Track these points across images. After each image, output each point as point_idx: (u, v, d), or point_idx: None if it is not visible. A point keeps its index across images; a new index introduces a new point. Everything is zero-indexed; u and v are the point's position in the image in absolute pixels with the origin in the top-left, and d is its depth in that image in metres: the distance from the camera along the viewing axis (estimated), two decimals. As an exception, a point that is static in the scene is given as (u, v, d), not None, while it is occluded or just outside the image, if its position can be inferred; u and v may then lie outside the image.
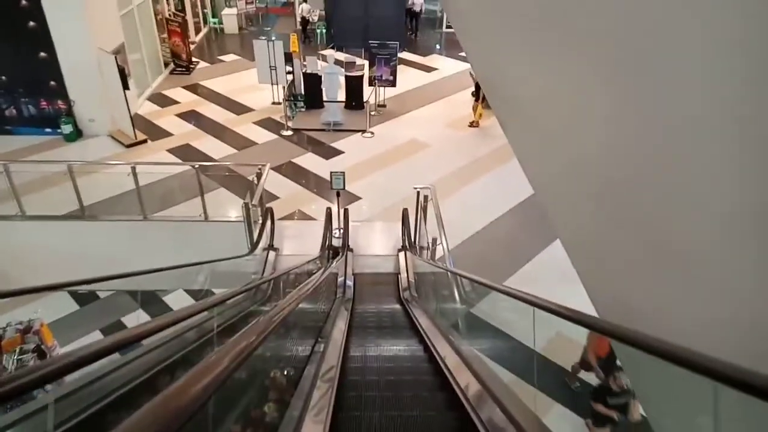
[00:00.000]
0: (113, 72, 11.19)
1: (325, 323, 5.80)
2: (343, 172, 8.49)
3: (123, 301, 8.63)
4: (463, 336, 5.08)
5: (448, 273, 6.16)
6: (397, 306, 7.15)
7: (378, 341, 5.47)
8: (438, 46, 19.08)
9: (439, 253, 7.47)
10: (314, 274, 6.71)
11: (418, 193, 8.16)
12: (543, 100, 1.93)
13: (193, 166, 8.73)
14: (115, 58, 11.04)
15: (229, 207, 9.69)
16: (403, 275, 7.78)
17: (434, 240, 7.30)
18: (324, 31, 18.34)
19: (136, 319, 7.48)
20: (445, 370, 3.93)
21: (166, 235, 8.81)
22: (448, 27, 20.42)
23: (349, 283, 7.47)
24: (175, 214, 9.53)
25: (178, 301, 8.03)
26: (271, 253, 8.28)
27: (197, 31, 18.93)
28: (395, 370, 4.76)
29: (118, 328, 7.73)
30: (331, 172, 8.51)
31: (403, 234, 8.48)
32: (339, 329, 5.67)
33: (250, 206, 7.80)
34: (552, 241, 9.06)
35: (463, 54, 18.08)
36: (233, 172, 10.62)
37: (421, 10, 19.46)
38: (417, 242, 8.41)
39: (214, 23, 19.62)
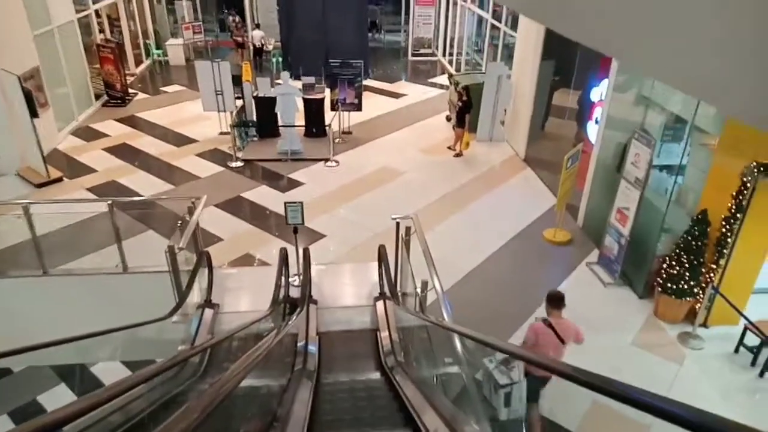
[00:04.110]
0: (19, 97, 9.22)
1: (276, 413, 3.88)
2: (301, 203, 6.65)
3: (40, 376, 6.80)
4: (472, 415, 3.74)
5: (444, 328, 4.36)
6: (379, 377, 5.21)
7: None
8: (404, 75, 17.78)
9: (429, 298, 5.66)
10: (264, 338, 4.79)
11: (398, 224, 6.36)
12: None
13: (107, 203, 6.80)
14: (19, 79, 9.08)
15: (159, 253, 7.75)
16: (384, 333, 5.85)
17: (425, 284, 5.46)
18: (280, 59, 16.83)
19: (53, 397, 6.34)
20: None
21: (75, 292, 6.93)
22: (413, 55, 19.30)
23: (312, 348, 5.49)
24: (88, 265, 7.56)
25: (111, 372, 6.43)
26: (208, 312, 6.26)
27: (138, 63, 17.13)
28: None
29: (33, 408, 6.22)
30: (285, 203, 6.67)
31: (380, 278, 6.61)
32: (297, 421, 3.75)
33: (177, 250, 5.85)
34: (562, 279, 7.39)
35: (432, 80, 16.85)
36: (165, 210, 8.68)
37: None
38: (399, 287, 6.56)
39: (158, 55, 17.86)
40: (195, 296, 6.49)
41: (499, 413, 4.96)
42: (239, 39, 17.67)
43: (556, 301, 4.77)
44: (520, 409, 4.95)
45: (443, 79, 16.68)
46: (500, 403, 4.91)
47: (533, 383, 4.86)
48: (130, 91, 14.66)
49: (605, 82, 8.21)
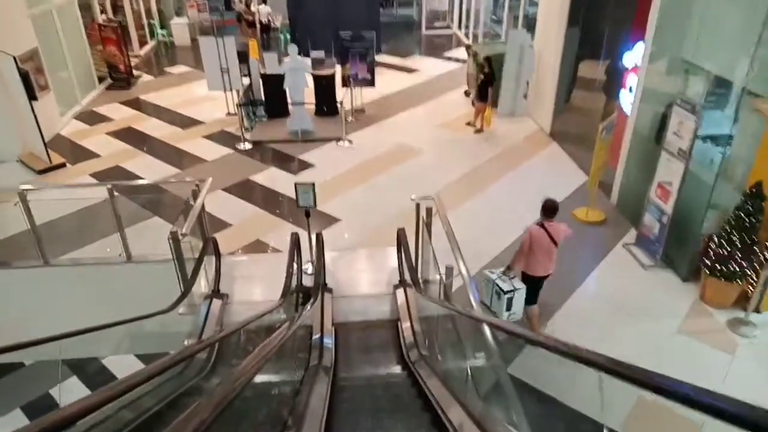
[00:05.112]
0: (16, 79, 8.79)
1: (289, 417, 3.45)
2: (313, 184, 6.14)
3: (51, 369, 6.51)
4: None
5: (473, 318, 3.88)
6: (402, 373, 4.74)
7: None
8: (418, 50, 17.06)
9: (455, 284, 5.15)
10: (275, 331, 4.35)
11: (418, 205, 5.84)
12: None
13: (107, 187, 6.39)
14: (15, 59, 8.63)
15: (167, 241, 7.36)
16: (406, 324, 5.38)
17: (450, 269, 4.95)
18: (288, 37, 16.22)
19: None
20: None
21: (78, 283, 6.61)
22: (427, 29, 18.54)
23: (328, 341, 5.05)
24: (92, 254, 7.22)
25: (121, 365, 6.12)
26: (216, 302, 5.83)
27: (142, 44, 16.63)
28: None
29: (46, 401, 5.81)
30: (296, 184, 6.17)
31: (400, 264, 6.12)
32: (312, 425, 3.31)
33: (180, 237, 5.41)
34: (598, 261, 6.83)
35: (447, 54, 16.13)
36: (172, 195, 8.24)
37: None
38: (421, 273, 6.06)
39: (163, 35, 17.34)
40: (202, 286, 6.09)
41: (500, 316, 5.76)
42: (249, 18, 17.06)
43: (551, 210, 5.32)
44: (518, 312, 5.74)
45: (459, 53, 15.96)
46: (502, 308, 5.71)
47: (533, 285, 5.61)
48: (135, 72, 14.19)
49: (639, 45, 7.52)
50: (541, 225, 5.34)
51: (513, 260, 5.57)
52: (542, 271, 5.52)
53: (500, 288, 5.68)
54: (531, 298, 5.71)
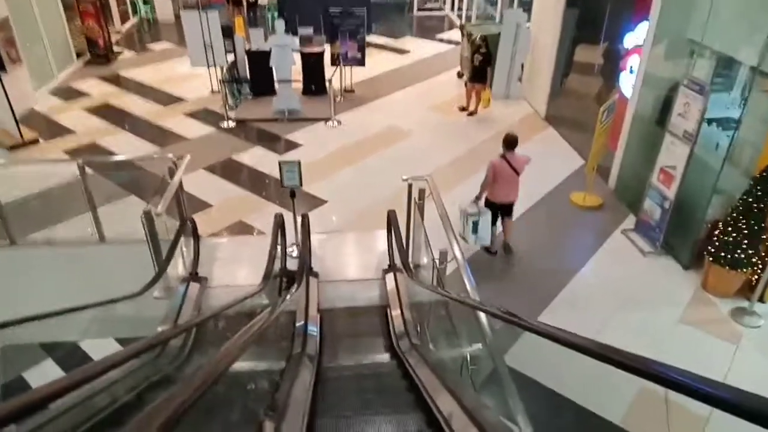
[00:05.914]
0: (-18, 49, 8.28)
1: (268, 410, 3.07)
2: (298, 161, 5.77)
3: (24, 351, 6.09)
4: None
5: (465, 305, 3.59)
6: (392, 365, 4.43)
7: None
8: (409, 31, 16.61)
9: (448, 269, 4.83)
10: (256, 316, 4.00)
11: (410, 186, 5.50)
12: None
13: (77, 162, 5.97)
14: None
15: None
16: (395, 311, 5.05)
17: (444, 254, 4.63)
18: (275, 15, 15.70)
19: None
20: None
21: (48, 265, 6.22)
22: (419, 10, 18.08)
23: (313, 329, 4.71)
24: (65, 234, 6.81)
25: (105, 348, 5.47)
26: (193, 286, 5.46)
27: (124, 20, 16.00)
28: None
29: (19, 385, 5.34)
30: (280, 163, 5.79)
31: (389, 247, 5.78)
32: (294, 418, 2.97)
33: (154, 216, 5.03)
34: (596, 247, 6.56)
35: (440, 36, 15.73)
36: (153, 174, 7.81)
37: None
38: (411, 258, 5.74)
39: (146, 11, 16.71)
40: (179, 269, 5.72)
41: (467, 240, 6.12)
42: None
43: (511, 143, 5.87)
44: (485, 237, 6.11)
45: (452, 35, 15.57)
46: (469, 231, 6.08)
47: (502, 209, 6.18)
48: (115, 48, 13.61)
49: (643, 25, 7.21)
50: (503, 157, 5.90)
51: (480, 190, 6.07)
52: (504, 198, 6.09)
53: (467, 212, 6.06)
54: (507, 213, 6.28)
